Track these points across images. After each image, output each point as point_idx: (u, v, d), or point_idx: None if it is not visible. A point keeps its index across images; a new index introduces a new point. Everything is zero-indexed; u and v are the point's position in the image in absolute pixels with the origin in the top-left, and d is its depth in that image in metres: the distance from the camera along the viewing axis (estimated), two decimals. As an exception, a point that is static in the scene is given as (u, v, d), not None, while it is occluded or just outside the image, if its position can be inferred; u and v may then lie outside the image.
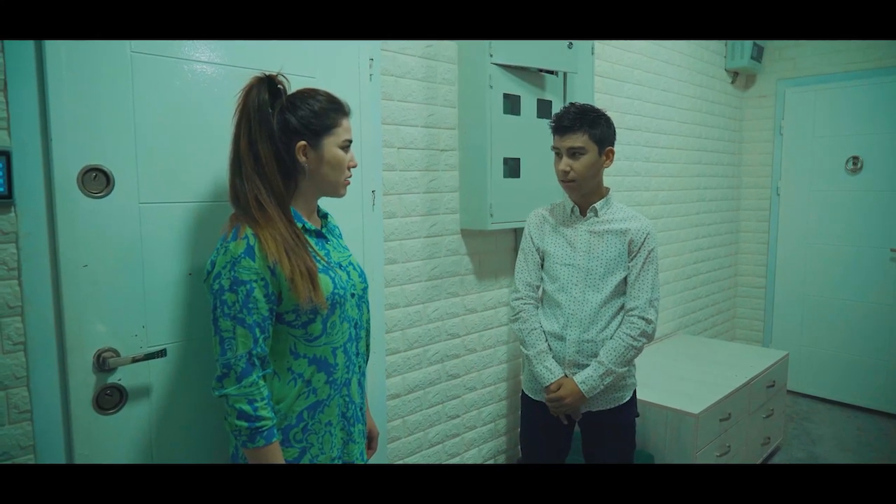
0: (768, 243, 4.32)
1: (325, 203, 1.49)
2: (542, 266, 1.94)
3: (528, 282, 1.94)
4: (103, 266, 1.37)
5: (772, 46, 4.17)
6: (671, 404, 2.47)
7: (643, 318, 1.82)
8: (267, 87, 1.28)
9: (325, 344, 1.32)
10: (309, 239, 1.33)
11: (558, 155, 1.82)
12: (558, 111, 1.83)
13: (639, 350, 1.83)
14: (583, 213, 1.87)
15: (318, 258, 1.32)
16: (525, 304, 1.93)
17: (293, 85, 1.38)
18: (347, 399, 1.39)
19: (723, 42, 4.00)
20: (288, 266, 1.22)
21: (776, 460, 3.23)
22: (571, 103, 1.85)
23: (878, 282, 3.85)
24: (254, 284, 1.20)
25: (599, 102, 2.81)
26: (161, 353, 1.43)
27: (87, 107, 1.32)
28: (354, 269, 1.43)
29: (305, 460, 1.32)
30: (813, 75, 4.04)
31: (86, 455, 1.36)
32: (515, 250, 2.47)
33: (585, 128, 1.76)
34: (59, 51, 1.28)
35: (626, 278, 1.85)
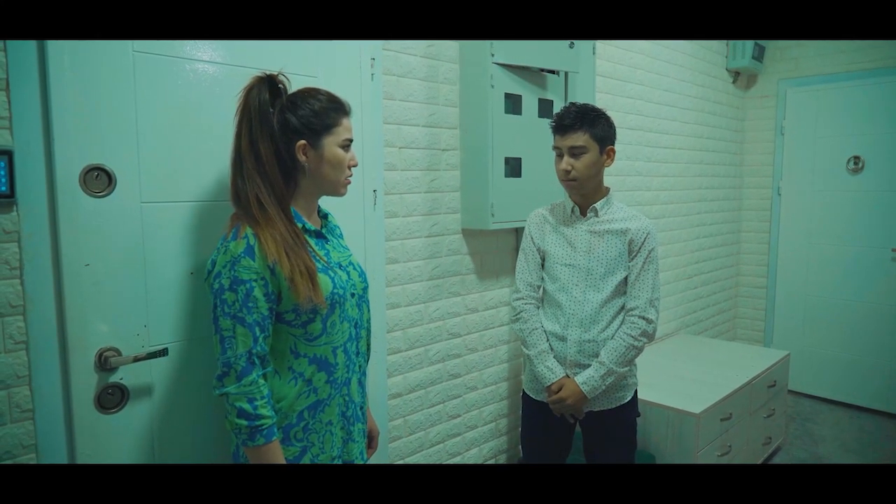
0: (769, 243, 4.32)
1: (326, 202, 1.49)
2: (542, 266, 1.94)
3: (529, 282, 1.94)
4: (105, 265, 1.37)
5: (773, 46, 4.17)
6: (672, 404, 2.47)
7: (644, 318, 1.82)
8: (268, 87, 1.29)
9: (325, 343, 1.32)
10: (309, 239, 1.33)
11: (559, 154, 1.82)
12: (559, 111, 1.83)
13: (640, 350, 1.83)
14: (583, 212, 1.87)
15: (317, 258, 1.32)
16: (526, 304, 1.93)
17: (295, 84, 1.38)
18: (347, 398, 1.39)
19: (724, 42, 4.00)
20: (287, 266, 1.22)
21: (777, 460, 3.22)
22: (572, 103, 1.86)
23: (880, 282, 3.84)
24: (253, 284, 1.20)
25: (601, 102, 2.81)
26: (163, 353, 1.43)
27: (89, 106, 1.33)
28: (355, 268, 1.43)
29: (306, 459, 1.32)
30: (814, 75, 4.04)
31: (87, 454, 1.37)
32: (517, 250, 2.47)
33: (586, 127, 1.76)
34: (62, 50, 1.28)
35: (626, 278, 1.85)
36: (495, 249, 2.46)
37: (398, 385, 2.14)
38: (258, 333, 1.22)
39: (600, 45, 2.87)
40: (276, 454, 1.24)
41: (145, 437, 1.46)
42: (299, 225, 1.32)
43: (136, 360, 1.40)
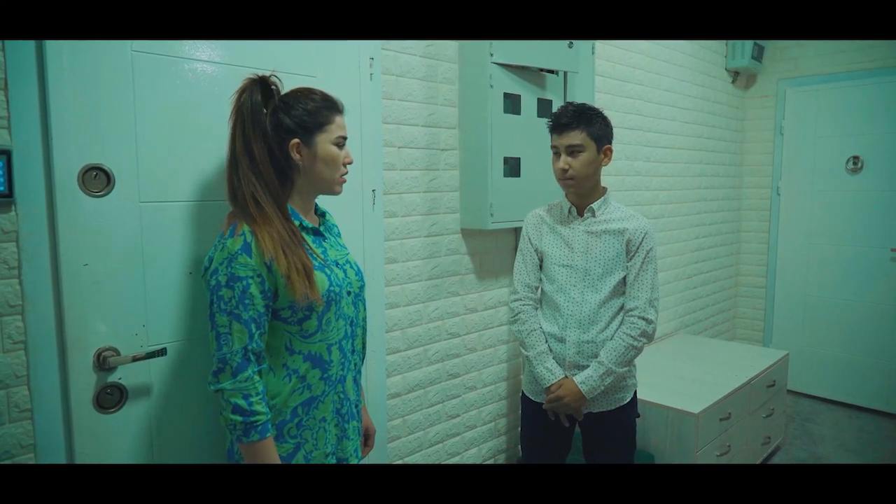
0: (769, 243, 4.32)
1: (325, 202, 1.49)
2: (540, 267, 1.94)
3: (527, 283, 1.94)
4: (104, 265, 1.37)
5: (772, 46, 4.17)
6: (671, 404, 2.47)
7: (643, 318, 1.81)
8: (260, 88, 1.30)
9: (320, 340, 1.33)
10: (306, 237, 1.34)
11: (556, 153, 1.82)
12: (556, 110, 1.84)
13: (639, 350, 1.82)
14: (580, 213, 1.87)
15: (314, 255, 1.33)
16: (524, 305, 1.93)
17: (294, 84, 1.38)
18: (342, 396, 1.40)
19: (723, 42, 4.00)
20: (284, 263, 1.23)
21: (777, 460, 3.22)
22: (569, 102, 1.86)
23: (879, 281, 3.84)
24: (250, 281, 1.21)
25: (601, 102, 2.81)
26: (161, 352, 1.43)
27: (87, 106, 1.32)
28: (351, 267, 1.44)
29: (299, 456, 1.32)
30: (814, 75, 4.04)
31: (86, 454, 1.37)
32: (516, 250, 2.46)
33: (583, 126, 1.76)
34: (60, 49, 1.28)
35: (624, 278, 1.85)
36: (494, 249, 2.46)
37: (397, 385, 2.13)
38: (254, 330, 1.23)
39: (599, 44, 2.87)
40: (270, 450, 1.25)
41: (144, 436, 1.46)
42: (296, 223, 1.32)
43: (135, 359, 1.40)
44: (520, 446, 2.10)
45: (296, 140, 1.30)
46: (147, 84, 1.41)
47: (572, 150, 1.77)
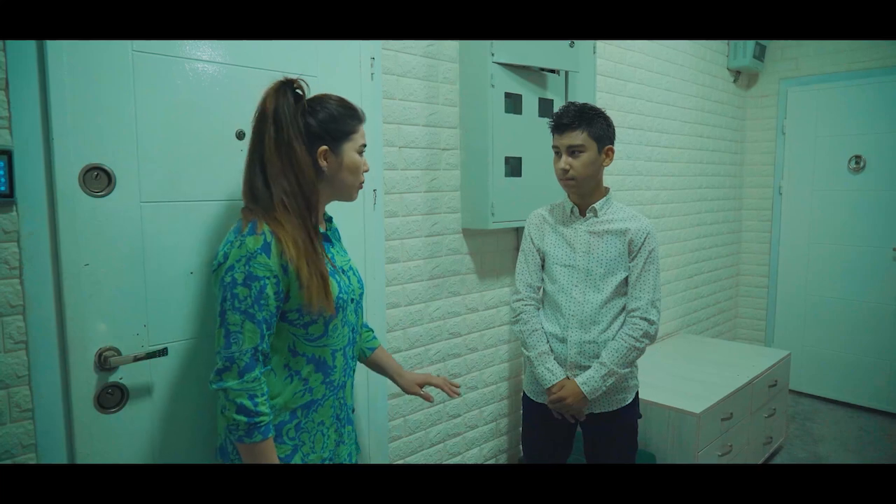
0: (770, 243, 4.31)
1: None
2: (542, 267, 1.94)
3: (529, 283, 1.93)
4: (105, 265, 1.37)
5: (774, 46, 4.17)
6: (673, 404, 2.47)
7: (645, 319, 1.81)
8: (291, 91, 1.29)
9: (324, 345, 1.33)
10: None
11: (557, 153, 1.81)
12: (557, 110, 1.83)
13: (641, 351, 1.82)
14: (582, 213, 1.87)
15: (328, 263, 1.33)
16: (526, 305, 1.92)
17: None
18: (342, 401, 1.41)
19: (725, 41, 3.99)
20: (306, 272, 1.23)
21: (778, 460, 3.22)
22: (571, 102, 1.85)
23: (881, 281, 3.84)
24: (266, 281, 1.20)
25: (601, 102, 2.81)
26: (162, 352, 1.43)
27: (88, 105, 1.32)
28: (354, 273, 1.45)
29: (296, 458, 1.32)
30: (815, 75, 4.03)
31: (87, 454, 1.37)
32: (517, 250, 2.47)
33: (584, 126, 1.76)
34: (61, 49, 1.28)
35: (626, 279, 1.84)
36: (495, 249, 2.45)
37: (398, 385, 2.13)
38: (265, 331, 1.22)
39: (600, 44, 2.86)
40: (270, 451, 1.24)
41: (145, 436, 1.46)
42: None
43: (136, 359, 1.40)
44: (521, 446, 2.10)
45: (324, 147, 1.30)
46: (148, 84, 1.41)
47: (573, 151, 1.77)
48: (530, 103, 2.32)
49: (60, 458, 1.34)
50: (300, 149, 1.26)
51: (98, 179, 1.35)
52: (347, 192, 1.39)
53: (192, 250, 1.50)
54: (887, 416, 3.79)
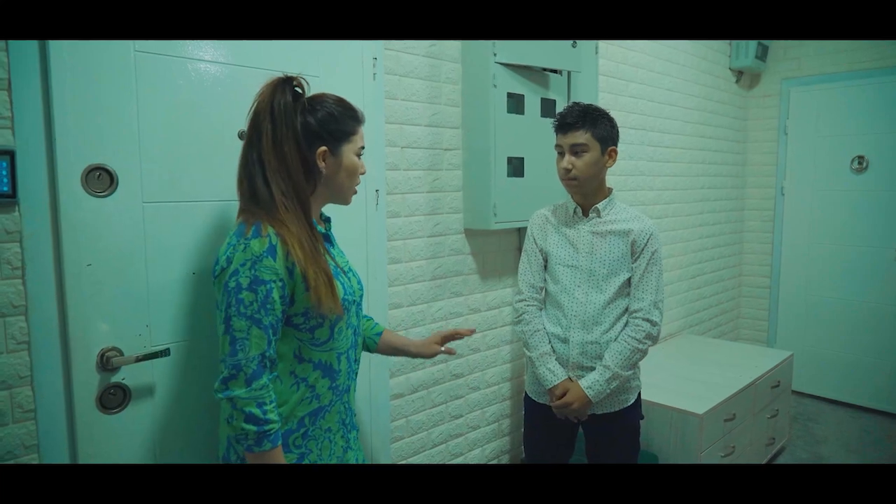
0: (772, 243, 4.30)
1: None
2: (545, 267, 1.94)
3: (532, 283, 1.93)
4: (107, 265, 1.37)
5: (776, 46, 4.16)
6: (676, 404, 2.47)
7: (648, 321, 1.80)
8: (290, 89, 1.26)
9: (330, 349, 1.31)
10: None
11: (560, 153, 1.81)
12: (561, 109, 1.83)
13: (644, 353, 1.82)
14: (585, 213, 1.86)
15: (331, 264, 1.30)
16: (528, 305, 1.92)
17: None
18: (347, 405, 1.39)
19: (727, 41, 3.99)
20: (312, 273, 1.20)
21: (781, 461, 3.21)
22: (575, 102, 1.85)
23: (883, 281, 3.83)
24: (273, 285, 1.17)
25: (603, 101, 2.80)
26: (165, 353, 1.43)
27: (90, 106, 1.32)
28: (354, 274, 1.43)
29: None
30: (817, 74, 4.02)
31: (89, 454, 1.36)
32: (519, 250, 2.46)
33: (588, 126, 1.75)
34: (63, 49, 1.28)
35: (629, 279, 1.84)
36: (497, 249, 2.45)
37: (400, 385, 2.13)
38: (272, 336, 1.19)
39: (602, 44, 2.86)
40: (280, 460, 1.22)
41: (147, 437, 1.45)
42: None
43: (138, 360, 1.39)
44: (523, 447, 2.10)
45: (323, 148, 1.28)
46: (150, 84, 1.40)
47: (576, 150, 1.76)
48: (532, 103, 2.32)
49: (63, 459, 1.34)
50: (295, 148, 1.23)
51: (100, 180, 1.35)
52: (343, 195, 1.37)
53: (195, 251, 1.50)
54: (889, 416, 3.78)
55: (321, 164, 1.28)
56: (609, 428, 1.89)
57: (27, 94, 1.26)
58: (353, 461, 1.42)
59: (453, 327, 1.74)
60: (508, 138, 2.23)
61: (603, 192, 1.86)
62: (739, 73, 4.16)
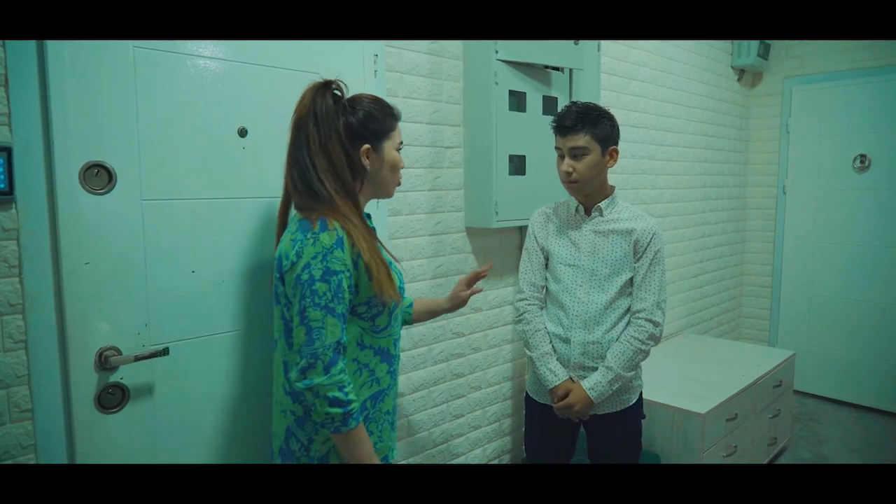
0: (774, 242, 4.29)
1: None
2: (546, 266, 1.92)
3: (533, 282, 1.91)
4: (105, 263, 1.35)
5: (778, 44, 4.14)
6: (678, 404, 2.45)
7: (651, 321, 1.79)
8: (330, 93, 1.33)
9: (388, 335, 1.38)
10: None
11: (560, 155, 1.78)
12: (560, 110, 1.80)
13: (647, 353, 1.80)
14: (587, 212, 1.84)
15: (384, 254, 1.38)
16: (529, 304, 1.90)
17: (298, 80, 1.38)
18: (397, 390, 1.47)
19: (729, 40, 3.97)
20: (375, 263, 1.28)
21: (783, 461, 3.20)
22: (573, 102, 1.82)
23: (886, 280, 3.81)
24: (342, 275, 1.23)
25: (605, 100, 2.79)
26: (164, 352, 1.41)
27: (89, 102, 1.31)
28: (397, 264, 1.50)
29: None
30: (820, 73, 4.01)
31: (87, 454, 1.35)
32: (521, 249, 2.45)
33: (588, 127, 1.72)
34: (61, 45, 1.26)
35: (631, 279, 1.82)
36: (499, 248, 2.44)
37: (401, 384, 2.11)
38: (343, 324, 1.24)
39: (605, 41, 2.84)
40: (364, 435, 1.27)
41: (146, 437, 1.44)
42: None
43: (137, 359, 1.38)
44: (524, 447, 2.08)
45: (367, 146, 1.34)
46: (149, 80, 1.39)
47: (576, 153, 1.73)
48: (534, 101, 2.31)
49: (60, 459, 1.33)
50: (340, 148, 1.31)
51: (98, 177, 1.34)
52: (386, 189, 1.43)
53: (195, 249, 1.49)
54: (892, 416, 3.76)
55: (366, 162, 1.35)
56: (611, 428, 1.87)
57: (25, 90, 1.25)
58: (394, 442, 1.45)
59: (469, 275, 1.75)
60: (510, 136, 2.21)
61: (605, 190, 1.84)
62: (741, 72, 4.14)
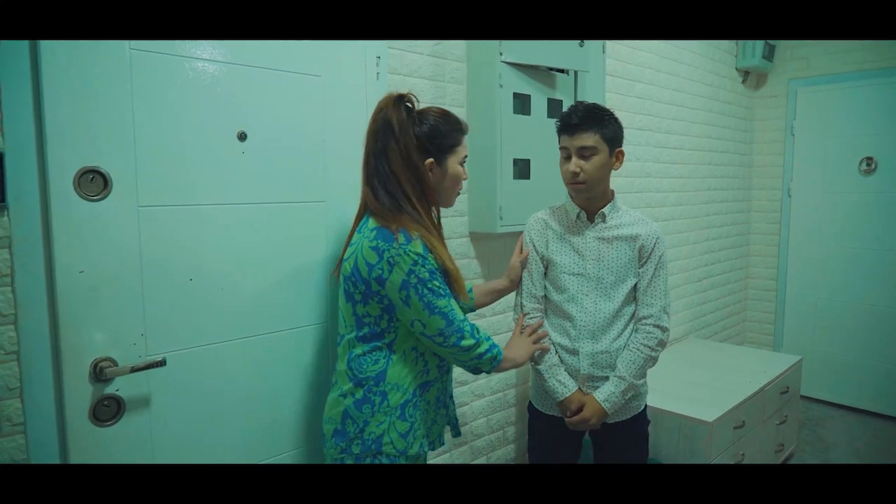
0: (779, 245, 4.25)
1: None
2: (545, 275, 1.86)
3: (534, 294, 1.82)
4: (101, 272, 1.31)
5: (783, 45, 4.11)
6: (685, 412, 2.41)
7: (659, 327, 1.75)
8: (404, 106, 1.40)
9: None
10: None
11: (566, 156, 1.73)
12: (565, 109, 1.75)
13: (655, 360, 1.77)
14: (590, 218, 1.78)
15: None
16: (531, 318, 1.82)
17: (299, 83, 1.38)
18: (445, 385, 1.54)
19: (734, 41, 3.93)
20: (453, 269, 1.41)
21: (789, 468, 3.16)
22: (579, 101, 1.77)
23: (892, 284, 3.77)
24: (439, 272, 1.37)
25: (610, 102, 2.75)
26: (161, 363, 1.37)
27: (83, 106, 1.27)
28: None
29: (411, 435, 1.42)
30: (825, 74, 3.97)
31: (82, 469, 1.31)
32: (525, 253, 2.41)
33: (596, 127, 1.67)
34: (55, 47, 1.23)
35: (635, 285, 1.78)
36: (503, 253, 2.40)
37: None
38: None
39: (609, 43, 2.81)
40: (511, 353, 1.60)
41: (142, 450, 1.40)
42: None
43: (133, 370, 1.34)
44: (528, 456, 2.04)
45: (431, 160, 1.42)
46: (146, 83, 1.35)
47: (584, 153, 1.68)
48: (539, 104, 2.27)
49: (54, 474, 1.29)
50: (418, 158, 1.39)
51: (94, 182, 1.30)
52: (447, 200, 1.51)
53: (192, 256, 1.45)
54: (899, 422, 3.73)
55: (429, 175, 1.42)
56: (620, 437, 1.83)
57: (18, 94, 1.21)
58: (435, 435, 1.51)
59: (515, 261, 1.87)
60: (514, 139, 2.18)
61: (607, 195, 1.78)
62: (746, 73, 4.10)
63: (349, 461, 1.41)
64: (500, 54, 2.09)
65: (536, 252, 1.82)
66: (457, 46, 2.16)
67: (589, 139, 1.67)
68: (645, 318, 1.77)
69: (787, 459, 3.20)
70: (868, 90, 3.80)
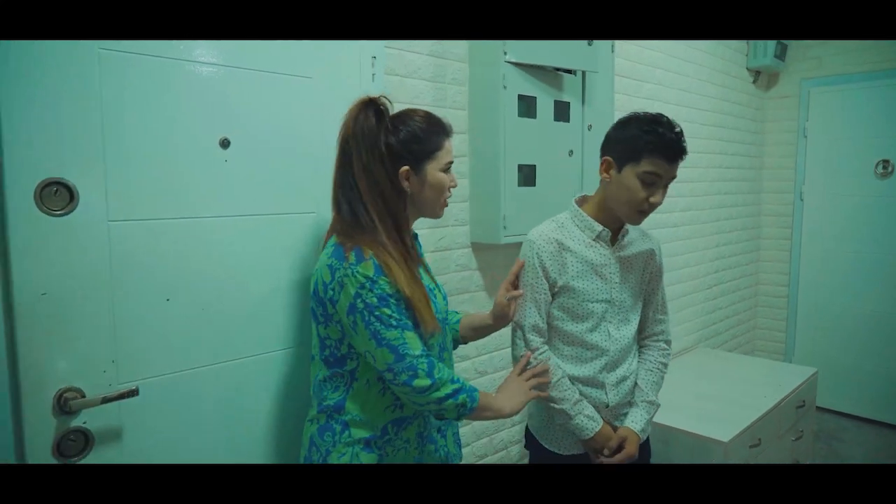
0: (791, 251, 4.12)
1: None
2: (553, 301, 1.61)
3: (538, 327, 1.58)
4: (65, 294, 1.19)
5: (796, 45, 3.98)
6: (698, 431, 2.29)
7: (668, 342, 1.70)
8: (373, 111, 1.28)
9: None
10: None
11: (651, 182, 1.46)
12: (660, 129, 1.46)
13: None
14: (614, 239, 1.60)
15: (425, 281, 1.33)
16: (541, 354, 1.58)
17: (290, 84, 1.31)
18: (426, 419, 1.38)
19: (745, 40, 3.81)
20: (414, 295, 1.24)
21: (804, 484, 3.04)
22: (670, 120, 1.50)
23: (909, 292, 3.65)
24: (393, 298, 1.22)
25: (617, 103, 2.64)
26: (133, 393, 1.25)
27: (46, 112, 1.15)
28: (440, 291, 1.42)
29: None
30: (839, 74, 3.84)
31: (45, 511, 1.19)
32: (529, 264, 2.29)
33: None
34: (13, 46, 1.11)
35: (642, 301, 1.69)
36: (507, 265, 2.27)
37: (401, 413, 1.96)
38: (419, 334, 1.25)
39: (617, 42, 2.69)
40: (488, 397, 1.33)
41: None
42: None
43: (104, 401, 1.22)
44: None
45: (406, 168, 1.29)
46: (117, 86, 1.23)
47: (668, 182, 1.50)
48: (545, 106, 2.15)
49: (14, 516, 1.17)
50: (383, 170, 1.27)
51: (58, 196, 1.18)
52: (431, 211, 1.38)
53: (168, 274, 1.32)
54: (917, 434, 3.61)
55: (405, 184, 1.30)
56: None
57: (-31, 99, 1.09)
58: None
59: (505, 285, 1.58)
60: (519, 144, 2.05)
61: None
62: (757, 73, 3.98)
63: None
64: (505, 54, 1.97)
65: (547, 278, 1.56)
66: (458, 45, 2.04)
67: (678, 167, 1.50)
68: (657, 334, 1.69)
69: (801, 475, 3.08)
70: (883, 90, 3.68)
